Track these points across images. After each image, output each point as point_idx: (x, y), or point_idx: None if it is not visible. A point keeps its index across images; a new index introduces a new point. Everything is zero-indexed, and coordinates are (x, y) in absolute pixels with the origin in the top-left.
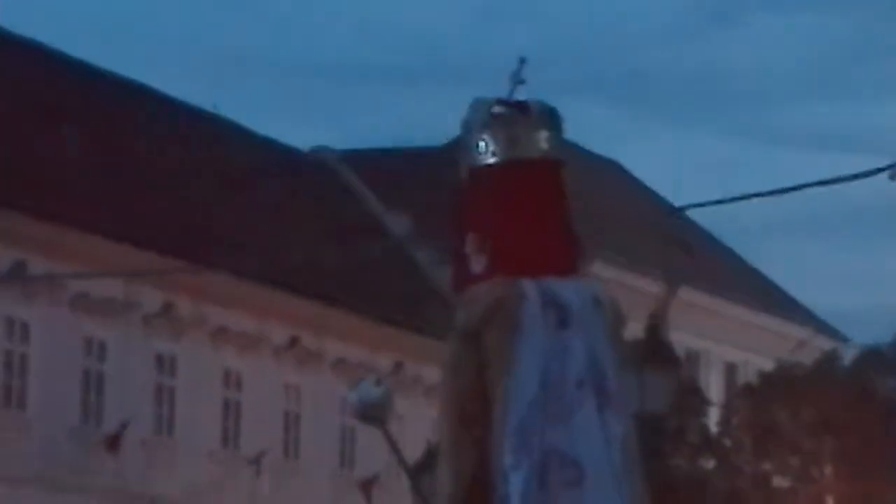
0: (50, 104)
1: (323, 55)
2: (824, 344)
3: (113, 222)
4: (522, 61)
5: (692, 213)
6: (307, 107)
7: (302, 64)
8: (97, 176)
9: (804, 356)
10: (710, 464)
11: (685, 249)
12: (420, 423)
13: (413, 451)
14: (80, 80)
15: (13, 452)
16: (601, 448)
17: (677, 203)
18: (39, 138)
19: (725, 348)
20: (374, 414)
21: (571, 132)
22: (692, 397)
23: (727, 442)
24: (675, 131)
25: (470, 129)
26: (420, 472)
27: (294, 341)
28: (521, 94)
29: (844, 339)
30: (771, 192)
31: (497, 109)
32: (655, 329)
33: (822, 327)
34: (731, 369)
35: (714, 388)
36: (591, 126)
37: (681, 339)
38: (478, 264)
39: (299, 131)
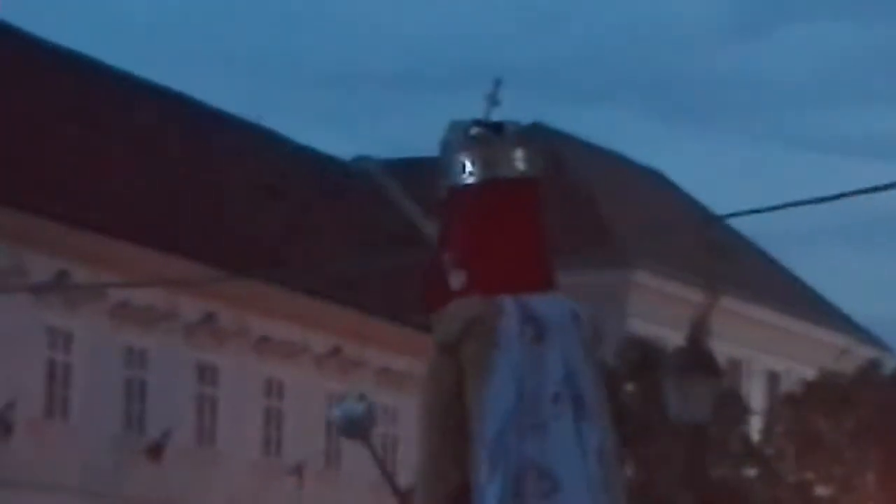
0: (93, 115)
1: (364, 65)
2: (866, 352)
3: (155, 232)
4: (498, 83)
5: (733, 221)
6: (349, 116)
7: (344, 74)
8: (140, 186)
9: (846, 364)
10: (752, 472)
11: (727, 258)
12: None
13: None
14: (123, 90)
15: (56, 461)
16: (577, 460)
17: (718, 211)
18: (82, 149)
19: (767, 357)
20: (357, 429)
21: (613, 141)
22: (734, 406)
23: (769, 451)
24: (714, 139)
25: (448, 150)
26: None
27: (336, 350)
28: (496, 115)
29: (887, 348)
30: (813, 200)
31: (473, 131)
32: (697, 338)
33: (864, 336)
34: (772, 378)
35: (756, 396)
36: (631, 135)
37: (722, 347)
38: (456, 280)
39: (341, 141)
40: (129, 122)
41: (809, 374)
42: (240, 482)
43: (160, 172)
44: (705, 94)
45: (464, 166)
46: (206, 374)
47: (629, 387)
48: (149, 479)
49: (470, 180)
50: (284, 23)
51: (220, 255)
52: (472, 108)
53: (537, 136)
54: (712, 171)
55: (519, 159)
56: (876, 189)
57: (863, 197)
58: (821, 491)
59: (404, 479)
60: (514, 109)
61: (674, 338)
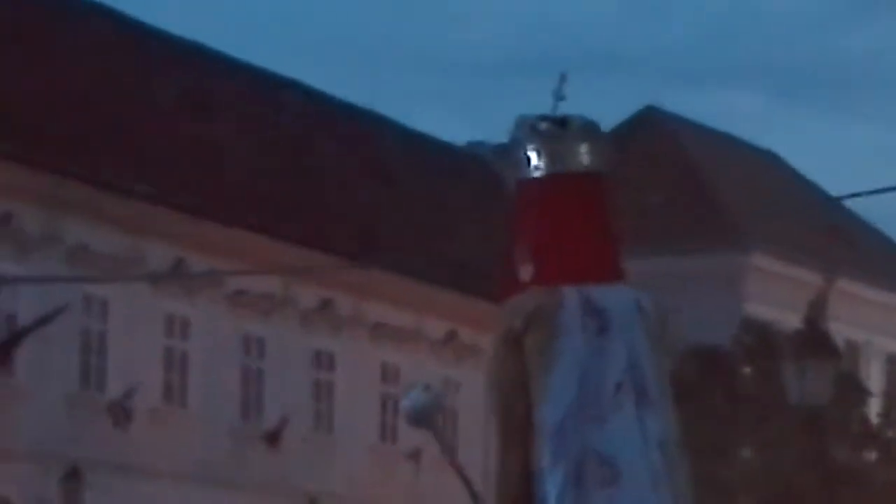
0: (208, 102)
1: (478, 50)
2: None
3: (271, 219)
4: (563, 78)
5: (851, 203)
6: (463, 102)
7: (457, 59)
8: (255, 174)
9: None
10: (871, 455)
11: (845, 239)
12: None
13: None
14: (234, 77)
15: (174, 449)
16: (639, 449)
17: (833, 192)
18: (199, 138)
19: (886, 339)
20: (425, 419)
21: (727, 123)
22: (852, 388)
23: (889, 433)
24: (830, 120)
25: (516, 144)
26: None
27: (451, 336)
28: (562, 109)
29: None
30: None
31: (540, 125)
32: (815, 320)
33: None
34: (891, 360)
35: (874, 379)
36: (745, 116)
37: (840, 329)
38: (525, 272)
39: (455, 126)
40: (245, 110)
41: None
42: (357, 468)
43: (276, 160)
44: (820, 75)
45: (530, 160)
46: (322, 360)
47: (746, 370)
48: (266, 466)
49: (536, 174)
50: (397, 8)
51: (337, 243)
52: (586, 92)
53: (651, 119)
54: (828, 153)
55: (584, 153)
56: None
57: None
58: None
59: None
60: (627, 93)
61: (791, 321)
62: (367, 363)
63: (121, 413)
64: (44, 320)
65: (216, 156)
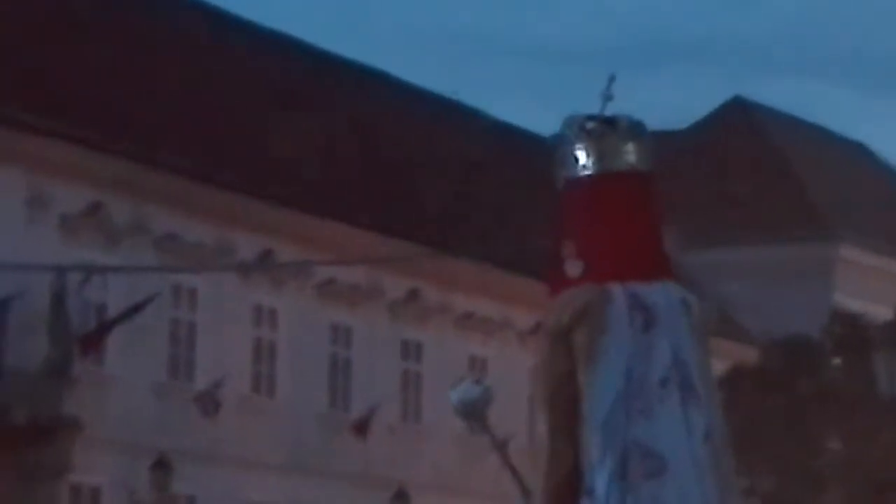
0: (291, 93)
1: (563, 38)
2: None
3: (357, 209)
4: (612, 79)
5: None
6: (546, 91)
7: (540, 48)
8: (341, 165)
9: None
10: None
11: None
12: None
13: None
14: (320, 68)
15: (263, 438)
16: (684, 442)
17: None
18: (283, 128)
19: None
20: (475, 412)
21: (816, 114)
22: None
23: None
24: None
25: (564, 143)
26: None
27: (538, 326)
28: (610, 110)
29: None
30: None
31: (588, 125)
32: None
33: None
34: None
35: None
36: (835, 107)
37: None
38: (573, 269)
39: (539, 116)
40: (330, 100)
41: None
42: (445, 457)
43: (362, 150)
44: None
45: (577, 159)
46: (409, 350)
47: (835, 361)
48: (354, 456)
49: (584, 173)
50: None
51: (424, 233)
52: (672, 82)
53: (739, 110)
54: None
55: (630, 153)
56: None
57: None
58: None
59: None
60: (715, 84)
61: (880, 312)
62: (455, 353)
63: (209, 403)
64: (133, 310)
65: (303, 147)
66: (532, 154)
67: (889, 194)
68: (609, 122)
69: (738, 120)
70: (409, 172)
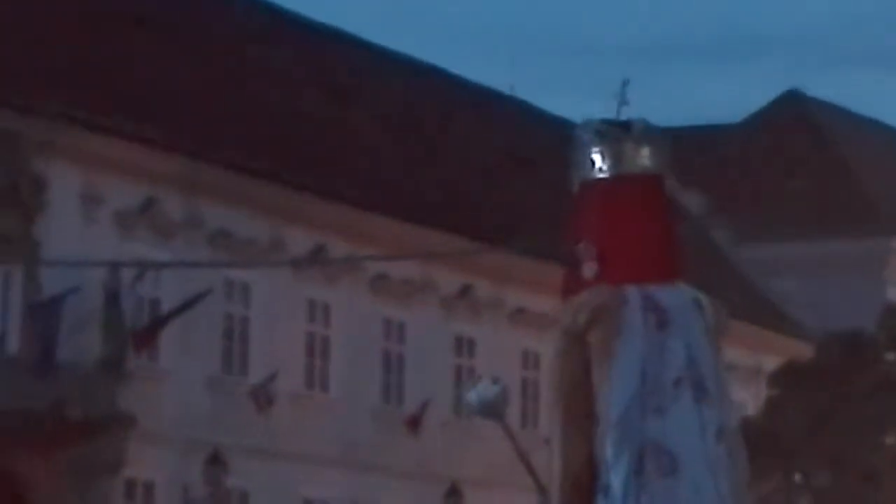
0: (345, 88)
1: (615, 34)
2: None
3: (411, 205)
4: (626, 83)
5: None
6: (599, 86)
7: (595, 43)
8: (395, 160)
9: None
10: None
11: None
12: None
13: None
14: (374, 63)
15: (316, 433)
16: (697, 440)
17: None
18: (338, 122)
19: None
20: (492, 411)
21: (871, 107)
22: None
23: None
24: None
25: (580, 146)
26: None
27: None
28: (625, 114)
29: None
30: None
31: (603, 128)
32: None
33: None
34: None
35: None
36: (890, 100)
37: None
38: (588, 270)
39: (594, 112)
40: (383, 95)
41: None
42: (498, 453)
43: (414, 146)
44: None
45: (593, 162)
46: (462, 345)
47: (890, 356)
48: (407, 451)
49: (599, 176)
50: None
51: (477, 228)
52: (727, 77)
53: (792, 103)
54: None
55: (645, 156)
56: None
57: None
58: None
59: None
60: (769, 77)
61: None
62: (508, 349)
63: (263, 398)
64: (187, 305)
65: (355, 142)
66: None
67: None
68: (624, 126)
69: (793, 114)
70: (462, 167)
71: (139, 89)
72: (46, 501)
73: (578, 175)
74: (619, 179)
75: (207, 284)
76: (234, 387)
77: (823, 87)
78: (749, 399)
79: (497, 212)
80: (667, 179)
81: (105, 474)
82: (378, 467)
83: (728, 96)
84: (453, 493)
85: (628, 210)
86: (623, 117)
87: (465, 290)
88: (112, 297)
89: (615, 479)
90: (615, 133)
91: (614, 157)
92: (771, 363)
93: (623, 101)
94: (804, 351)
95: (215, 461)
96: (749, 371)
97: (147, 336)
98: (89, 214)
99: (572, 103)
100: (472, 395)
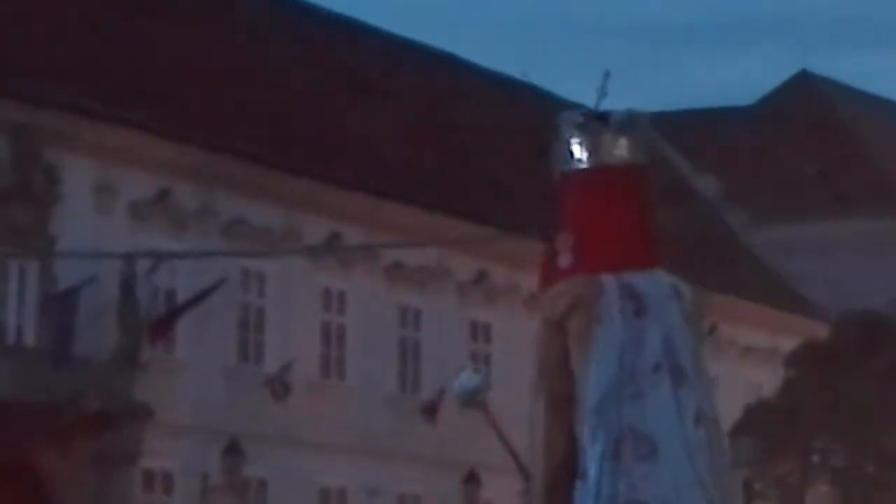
0: (358, 76)
1: (630, 17)
2: None
3: (425, 192)
4: (607, 75)
5: None
6: (615, 69)
7: (609, 27)
8: (409, 147)
9: None
10: None
11: None
12: (736, 384)
13: (731, 412)
14: (388, 51)
15: (333, 421)
16: (675, 425)
17: None
18: (351, 111)
19: None
20: (474, 400)
21: (884, 88)
22: None
23: None
24: None
25: (560, 138)
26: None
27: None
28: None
29: None
30: None
31: (582, 120)
32: None
33: None
34: None
35: None
36: None
37: None
38: (566, 260)
39: (609, 95)
40: (398, 84)
41: None
42: (516, 439)
43: (430, 133)
44: None
45: (573, 153)
46: (478, 331)
47: None
48: (424, 438)
49: (578, 167)
50: None
51: (492, 214)
52: (739, 59)
53: (804, 83)
54: None
55: (624, 147)
56: None
57: None
58: None
59: None
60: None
61: None
62: (524, 334)
63: (279, 387)
64: (202, 295)
65: (370, 130)
66: None
67: None
68: (603, 118)
69: (806, 95)
70: (478, 154)
71: (152, 80)
72: (65, 493)
73: (558, 166)
74: (596, 169)
75: (223, 274)
76: (250, 376)
77: (835, 69)
78: (766, 380)
79: (513, 197)
80: (644, 168)
81: (123, 465)
82: (395, 455)
83: (740, 78)
84: (471, 478)
85: (605, 200)
86: (626, 105)
87: (481, 277)
88: (127, 289)
89: (592, 463)
90: (594, 124)
91: (592, 148)
92: (787, 344)
93: (603, 93)
94: (820, 331)
95: (233, 450)
96: (766, 352)
97: (163, 327)
98: (103, 206)
99: (586, 88)
100: (454, 384)
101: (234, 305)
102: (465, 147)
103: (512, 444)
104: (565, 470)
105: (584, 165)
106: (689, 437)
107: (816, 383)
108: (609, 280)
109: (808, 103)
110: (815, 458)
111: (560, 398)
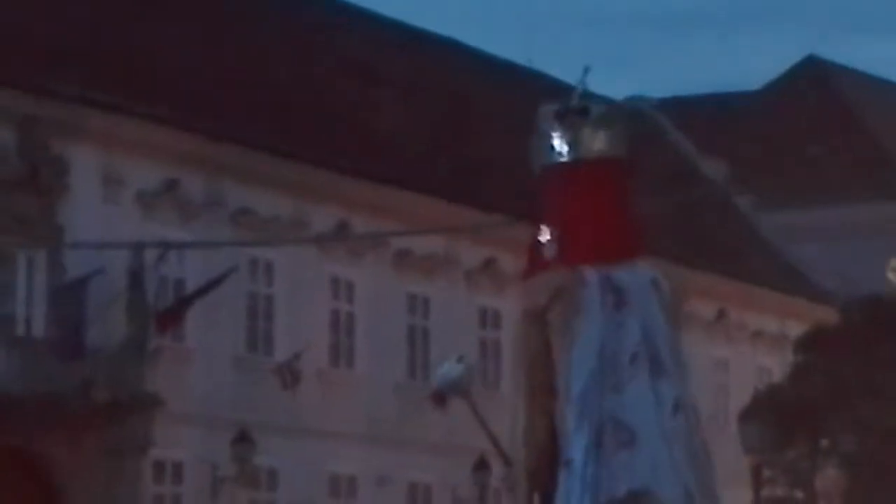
0: (366, 65)
1: (636, 3)
2: None
3: (433, 179)
4: (586, 70)
5: None
6: (622, 56)
7: (617, 12)
8: (415, 135)
9: None
10: None
11: None
12: (745, 369)
13: (741, 397)
14: (395, 40)
15: (342, 410)
16: (653, 414)
17: None
18: (357, 100)
19: None
20: (458, 389)
21: (889, 73)
22: None
23: None
24: None
25: (541, 132)
26: None
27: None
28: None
29: None
30: None
31: (562, 115)
32: None
33: None
34: None
35: None
36: None
37: None
38: (549, 251)
39: (614, 81)
40: (404, 71)
41: None
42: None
43: (436, 121)
44: None
45: (553, 148)
46: (487, 318)
47: None
48: (434, 425)
49: (559, 160)
50: None
51: (499, 201)
52: (747, 45)
53: (812, 68)
54: None
55: (604, 140)
56: None
57: None
58: None
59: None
60: (788, 43)
61: None
62: None
63: (288, 375)
64: (212, 284)
65: (377, 117)
66: None
67: None
68: (582, 112)
69: (813, 79)
70: (484, 141)
71: (158, 70)
72: (75, 483)
73: (540, 160)
74: (576, 163)
75: (231, 263)
76: (259, 365)
77: (843, 54)
78: (775, 365)
79: (520, 185)
80: (623, 161)
81: (133, 455)
82: (405, 442)
83: (748, 63)
84: (481, 466)
85: (585, 193)
86: (634, 90)
87: (488, 264)
88: (135, 279)
89: (576, 451)
90: (573, 119)
91: (572, 143)
92: (796, 329)
93: (583, 88)
94: (829, 316)
95: (243, 439)
96: (775, 337)
97: (172, 317)
98: (111, 196)
99: (592, 74)
100: (438, 373)
101: (243, 295)
102: (472, 134)
103: (495, 435)
104: (547, 458)
105: (564, 159)
106: (666, 425)
107: (825, 368)
108: (590, 273)
109: (816, 88)
110: (825, 443)
111: (541, 387)
